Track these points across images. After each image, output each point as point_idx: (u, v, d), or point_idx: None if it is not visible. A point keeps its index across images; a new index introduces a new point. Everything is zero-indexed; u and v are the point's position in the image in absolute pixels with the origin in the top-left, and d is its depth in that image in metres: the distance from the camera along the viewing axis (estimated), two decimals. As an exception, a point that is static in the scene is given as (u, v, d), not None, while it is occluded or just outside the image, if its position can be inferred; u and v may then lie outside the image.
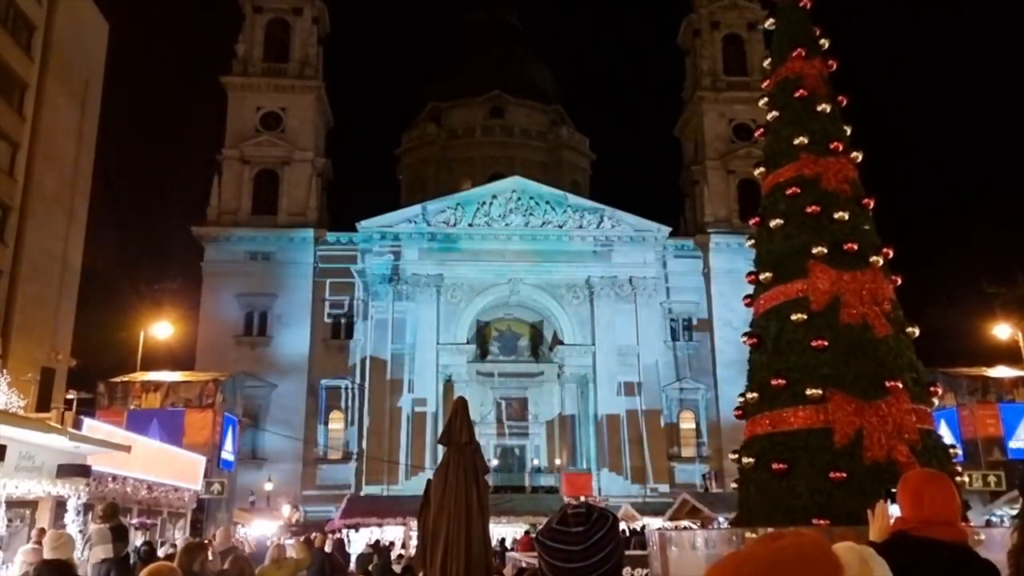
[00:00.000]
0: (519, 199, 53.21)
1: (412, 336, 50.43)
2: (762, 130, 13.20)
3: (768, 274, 11.52)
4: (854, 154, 12.05)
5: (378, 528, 31.96)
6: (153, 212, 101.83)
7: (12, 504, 14.38)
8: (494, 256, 51.91)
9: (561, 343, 52.03)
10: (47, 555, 7.54)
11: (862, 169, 12.12)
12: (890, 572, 2.44)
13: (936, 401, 11.36)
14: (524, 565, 14.14)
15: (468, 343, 51.80)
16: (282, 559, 11.26)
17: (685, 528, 23.72)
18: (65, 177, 39.70)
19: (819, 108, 12.05)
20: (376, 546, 27.24)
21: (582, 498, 31.53)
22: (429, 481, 7.31)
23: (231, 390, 36.23)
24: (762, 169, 12.70)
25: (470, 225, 52.51)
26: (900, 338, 10.87)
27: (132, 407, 31.67)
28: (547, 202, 53.39)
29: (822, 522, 9.30)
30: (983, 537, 7.94)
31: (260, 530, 32.34)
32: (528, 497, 39.38)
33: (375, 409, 49.60)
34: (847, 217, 11.26)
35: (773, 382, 10.67)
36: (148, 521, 21.59)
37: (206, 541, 11.14)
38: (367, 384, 50.27)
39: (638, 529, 28.89)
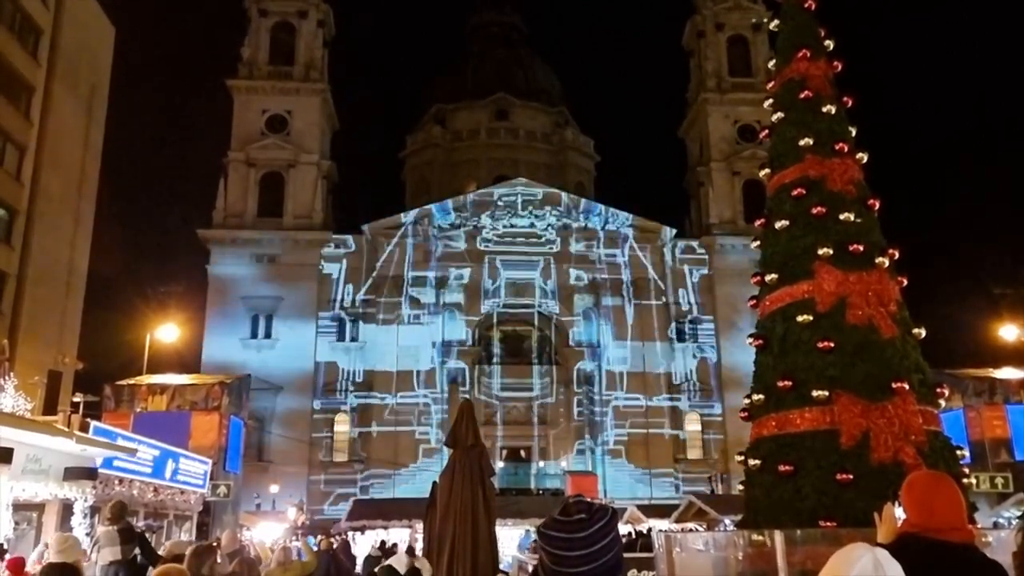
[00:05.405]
0: (524, 201, 53.32)
1: (418, 338, 50.51)
2: (767, 131, 13.17)
3: (774, 275, 11.49)
4: (859, 155, 12.01)
5: (384, 530, 31.90)
6: (159, 215, 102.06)
7: (19, 507, 14.40)
8: (499, 258, 52.00)
9: (567, 345, 52.04)
10: (53, 558, 7.55)
11: (867, 170, 12.10)
12: (903, 574, 2.43)
13: (943, 402, 11.31)
14: (530, 569, 14.04)
15: (474, 345, 51.84)
16: (288, 562, 11.26)
17: (691, 530, 23.69)
18: (71, 181, 39.84)
19: (824, 109, 12.01)
20: (383, 547, 27.20)
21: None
22: (435, 483, 7.32)
23: (237, 393, 36.24)
24: (767, 170, 12.67)
25: (475, 227, 52.62)
26: (906, 339, 10.83)
27: (138, 410, 31.72)
28: (552, 204, 53.49)
29: (829, 524, 9.26)
30: (991, 539, 7.89)
31: (265, 533, 32.35)
32: (534, 499, 39.29)
33: (380, 410, 49.69)
34: (853, 218, 11.23)
35: (779, 383, 10.64)
36: (154, 523, 21.59)
37: (214, 544, 11.14)
38: (373, 386, 50.37)
39: (644, 531, 28.77)
